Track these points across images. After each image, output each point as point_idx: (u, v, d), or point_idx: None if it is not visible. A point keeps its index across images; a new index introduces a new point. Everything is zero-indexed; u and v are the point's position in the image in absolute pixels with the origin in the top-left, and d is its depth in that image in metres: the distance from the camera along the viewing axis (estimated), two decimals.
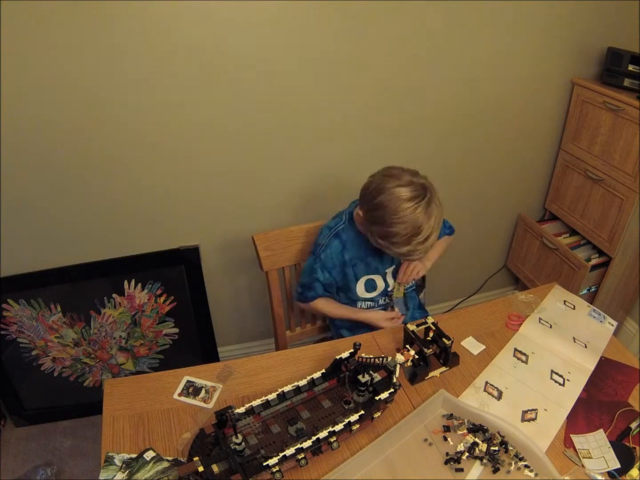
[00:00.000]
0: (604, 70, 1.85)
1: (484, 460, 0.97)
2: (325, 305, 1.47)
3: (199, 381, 1.16)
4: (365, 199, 1.26)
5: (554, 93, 1.96)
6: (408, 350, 1.17)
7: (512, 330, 1.31)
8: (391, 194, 1.18)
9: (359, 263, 1.40)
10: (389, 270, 1.45)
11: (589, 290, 2.03)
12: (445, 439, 1.02)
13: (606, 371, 1.20)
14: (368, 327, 1.46)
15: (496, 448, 0.99)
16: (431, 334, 1.20)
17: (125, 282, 1.77)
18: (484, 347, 1.25)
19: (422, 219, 1.17)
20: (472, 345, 1.26)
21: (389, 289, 1.48)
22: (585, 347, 1.26)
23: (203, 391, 1.13)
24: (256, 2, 1.45)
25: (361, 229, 1.36)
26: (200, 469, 0.90)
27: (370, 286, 1.45)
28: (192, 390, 1.13)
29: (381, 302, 1.50)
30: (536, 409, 1.10)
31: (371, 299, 1.47)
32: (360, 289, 1.44)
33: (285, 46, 1.54)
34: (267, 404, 1.04)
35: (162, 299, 1.83)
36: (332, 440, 0.98)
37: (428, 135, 1.88)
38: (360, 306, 1.48)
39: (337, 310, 1.48)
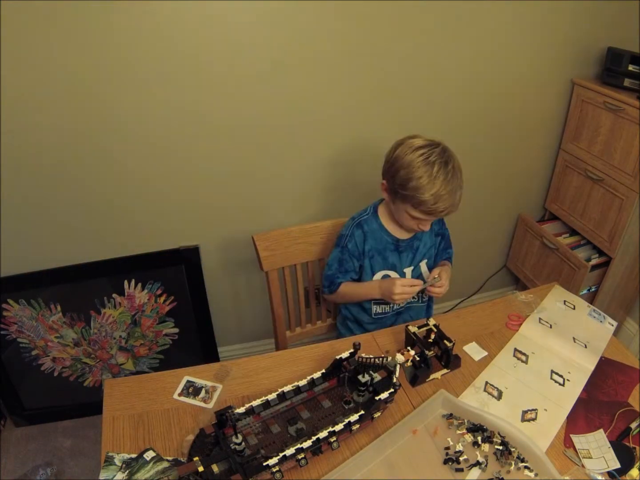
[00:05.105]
0: (604, 70, 1.85)
1: (483, 465, 0.97)
2: (348, 288, 1.44)
3: (199, 381, 1.16)
4: (386, 164, 1.31)
5: (554, 93, 1.96)
6: (408, 351, 1.17)
7: (512, 330, 1.31)
8: (408, 144, 1.27)
9: (376, 256, 1.40)
10: (408, 271, 1.43)
11: (589, 290, 2.03)
12: (445, 439, 1.02)
13: (606, 371, 1.20)
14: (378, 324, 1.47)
15: (500, 447, 0.99)
16: (432, 336, 1.20)
17: (125, 282, 1.77)
18: (486, 353, 1.24)
19: (439, 160, 1.23)
20: (474, 351, 1.25)
21: None
22: (585, 347, 1.26)
23: (203, 391, 1.13)
24: (256, 2, 1.45)
25: (387, 209, 1.38)
26: (200, 469, 0.90)
27: None
28: (192, 390, 1.13)
29: (396, 306, 1.46)
30: (536, 409, 1.10)
31: (385, 301, 1.43)
32: None
33: (284, 44, 1.54)
34: (267, 404, 1.04)
35: (162, 299, 1.83)
36: (332, 440, 0.98)
37: (427, 135, 1.88)
38: (374, 309, 1.46)
39: (359, 288, 1.44)
